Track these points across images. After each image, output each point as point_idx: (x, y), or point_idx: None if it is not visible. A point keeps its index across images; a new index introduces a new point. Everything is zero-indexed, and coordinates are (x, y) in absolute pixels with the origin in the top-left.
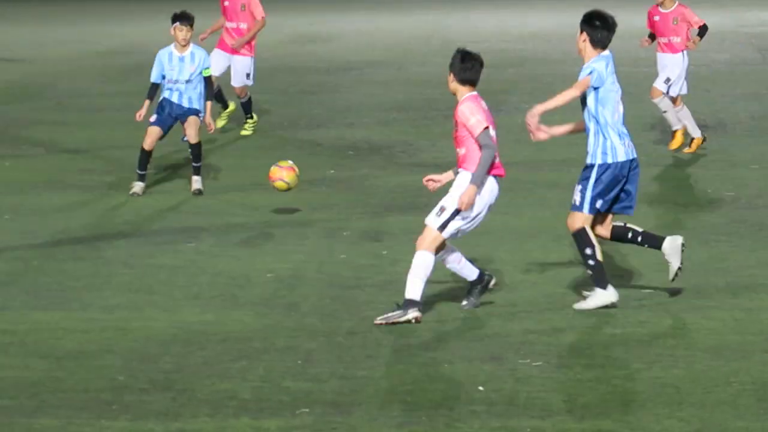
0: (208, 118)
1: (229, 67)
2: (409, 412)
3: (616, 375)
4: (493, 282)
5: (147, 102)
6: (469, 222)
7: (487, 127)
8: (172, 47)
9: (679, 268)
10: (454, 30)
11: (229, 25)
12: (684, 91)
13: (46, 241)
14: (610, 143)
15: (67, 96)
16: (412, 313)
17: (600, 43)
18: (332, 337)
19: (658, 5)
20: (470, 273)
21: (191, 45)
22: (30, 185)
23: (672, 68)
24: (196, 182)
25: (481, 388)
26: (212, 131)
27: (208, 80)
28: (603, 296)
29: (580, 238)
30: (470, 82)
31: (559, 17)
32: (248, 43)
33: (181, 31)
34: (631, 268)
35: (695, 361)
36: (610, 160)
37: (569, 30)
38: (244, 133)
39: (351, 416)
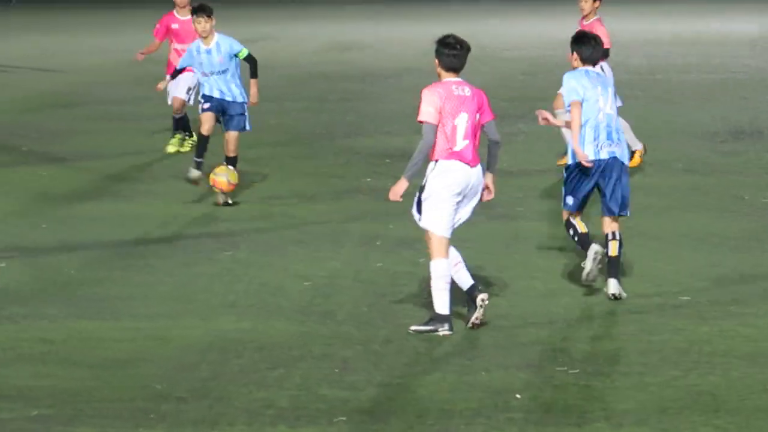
0: (254, 96)
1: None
2: (446, 420)
3: (652, 382)
4: (481, 297)
5: (168, 77)
6: (444, 207)
7: (430, 123)
8: (200, 41)
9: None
10: (489, 37)
11: (179, 46)
12: (619, 103)
13: (83, 251)
14: (580, 141)
15: (102, 105)
16: (443, 331)
17: (588, 60)
18: (369, 344)
19: (582, 17)
20: (463, 281)
21: (216, 35)
22: (67, 194)
23: None
24: (225, 195)
25: (518, 395)
26: (254, 104)
27: (249, 59)
28: (588, 254)
29: (565, 227)
30: (453, 68)
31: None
32: None
33: (199, 24)
34: (667, 275)
35: (731, 369)
36: (576, 160)
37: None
38: (171, 149)
39: (388, 424)
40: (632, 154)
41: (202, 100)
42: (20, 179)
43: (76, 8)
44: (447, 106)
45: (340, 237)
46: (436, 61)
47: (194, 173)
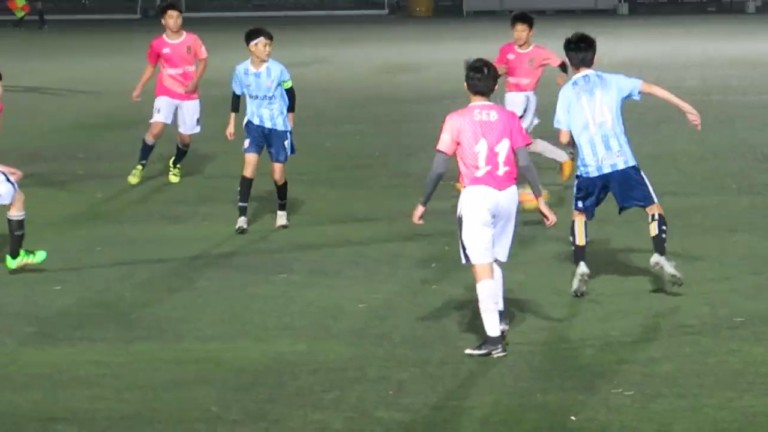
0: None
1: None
2: None
3: (708, 404)
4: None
5: (233, 115)
6: (476, 234)
7: (442, 153)
8: (248, 63)
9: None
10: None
11: (173, 71)
12: (535, 121)
13: (137, 272)
14: (582, 158)
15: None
16: (496, 353)
17: (579, 63)
18: (424, 367)
19: (514, 44)
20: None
21: (268, 60)
22: (122, 216)
23: (518, 107)
24: (281, 217)
25: (573, 417)
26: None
27: (290, 92)
28: (577, 270)
29: (570, 227)
30: (479, 92)
31: (628, 45)
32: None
33: (265, 46)
34: (723, 296)
35: None
36: (582, 174)
37: (643, 58)
38: (173, 179)
39: None
40: (561, 166)
41: (246, 133)
42: (75, 201)
43: (116, 31)
44: (466, 134)
45: (395, 259)
46: (465, 84)
47: (242, 221)
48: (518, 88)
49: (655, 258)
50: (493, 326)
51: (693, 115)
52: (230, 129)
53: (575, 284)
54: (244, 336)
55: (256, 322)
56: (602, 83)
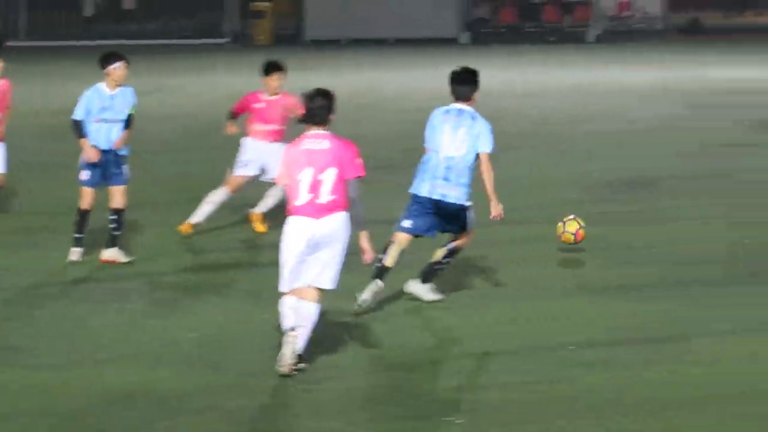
0: (120, 142)
1: None
2: None
3: (533, 431)
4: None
5: (86, 140)
6: (285, 263)
7: (284, 184)
8: (102, 87)
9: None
10: (392, 87)
11: None
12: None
13: None
14: (420, 174)
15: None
16: (291, 333)
17: (457, 96)
18: (253, 395)
19: (260, 93)
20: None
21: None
22: None
23: (271, 157)
24: (116, 253)
25: None
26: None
27: (131, 117)
28: (370, 287)
29: (384, 246)
30: (311, 122)
31: (589, 73)
32: None
33: (126, 69)
34: (556, 325)
35: (618, 418)
36: (415, 191)
37: (485, 87)
38: None
39: None
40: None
41: (84, 164)
42: None
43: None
44: (294, 163)
45: (227, 289)
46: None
47: (76, 253)
48: (271, 136)
49: (409, 286)
50: (287, 319)
51: (494, 210)
52: (90, 148)
53: (366, 294)
54: (75, 366)
55: (89, 352)
56: (471, 124)
